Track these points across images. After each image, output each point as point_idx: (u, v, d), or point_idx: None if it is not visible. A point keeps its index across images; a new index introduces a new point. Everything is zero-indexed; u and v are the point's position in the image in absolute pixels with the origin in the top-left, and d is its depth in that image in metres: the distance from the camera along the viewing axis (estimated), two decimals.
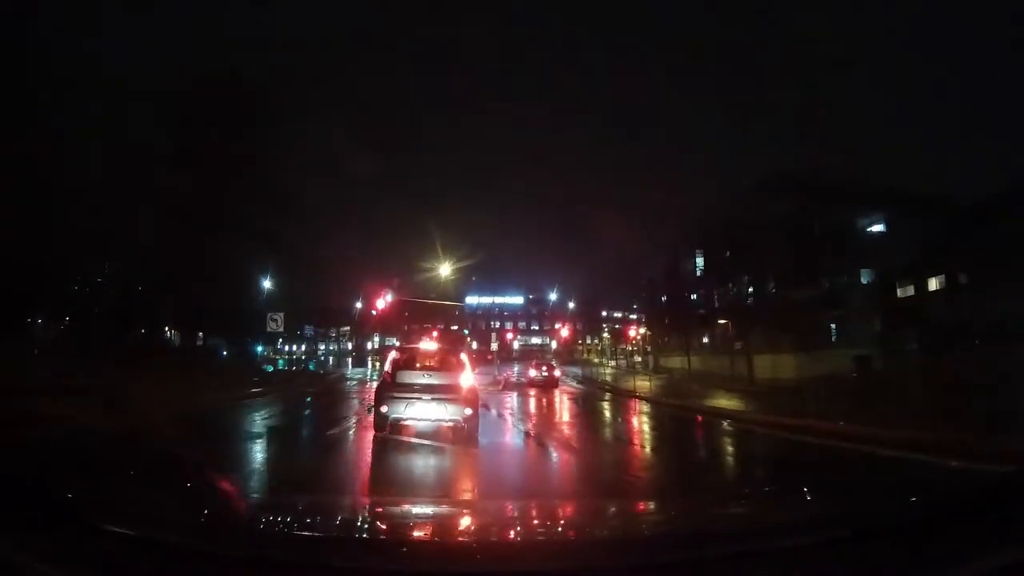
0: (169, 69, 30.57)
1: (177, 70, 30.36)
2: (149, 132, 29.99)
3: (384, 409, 9.59)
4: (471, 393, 10.03)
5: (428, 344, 12.54)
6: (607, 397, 24.35)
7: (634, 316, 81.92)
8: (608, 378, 38.00)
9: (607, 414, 17.46)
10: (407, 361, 10.47)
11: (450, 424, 9.58)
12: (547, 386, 28.65)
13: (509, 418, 14.77)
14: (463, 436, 9.43)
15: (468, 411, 9.52)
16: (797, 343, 31.90)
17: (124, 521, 1.58)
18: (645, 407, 19.26)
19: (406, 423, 9.85)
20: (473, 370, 10.71)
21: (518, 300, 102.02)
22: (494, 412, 15.03)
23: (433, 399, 9.53)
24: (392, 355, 10.89)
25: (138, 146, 29.24)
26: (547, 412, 17.34)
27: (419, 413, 9.59)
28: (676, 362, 46.47)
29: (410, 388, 9.71)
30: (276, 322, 17.77)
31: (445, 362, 10.51)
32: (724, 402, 18.48)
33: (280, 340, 55.78)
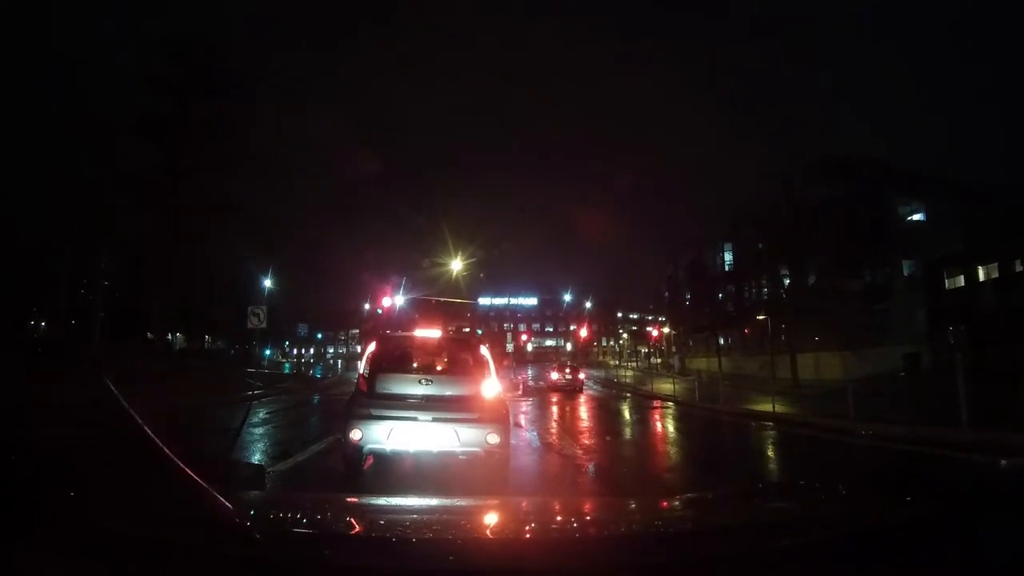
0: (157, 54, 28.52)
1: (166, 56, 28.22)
2: (144, 134, 28.18)
3: (356, 435, 6.08)
4: (497, 409, 6.52)
5: (428, 332, 7.66)
6: (654, 405, 20.48)
7: (651, 317, 79.98)
8: (636, 381, 35.36)
9: (684, 434, 13.43)
10: (395, 360, 6.85)
11: (464, 458, 6.26)
12: (572, 390, 26.28)
13: (551, 442, 10.76)
14: (484, 479, 6.17)
15: (494, 437, 6.08)
16: (841, 340, 29.75)
17: (124, 521, 1.55)
18: (713, 418, 16.35)
19: (392, 457, 6.45)
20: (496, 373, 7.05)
21: (531, 301, 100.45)
22: (527, 431, 11.80)
23: (436, 419, 6.05)
24: (370, 349, 6.94)
25: (132, 139, 27.73)
26: (595, 429, 13.68)
27: (412, 441, 6.09)
28: (702, 363, 44.14)
29: (399, 402, 6.23)
30: (258, 317, 15.79)
31: (456, 361, 7.00)
32: (794, 409, 15.86)
33: (287, 342, 54.35)
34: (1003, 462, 2.48)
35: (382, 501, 3.17)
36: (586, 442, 11.05)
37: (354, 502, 2.89)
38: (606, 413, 18.21)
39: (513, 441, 7.32)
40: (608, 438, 12.19)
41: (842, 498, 2.28)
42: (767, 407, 15.40)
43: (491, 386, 6.61)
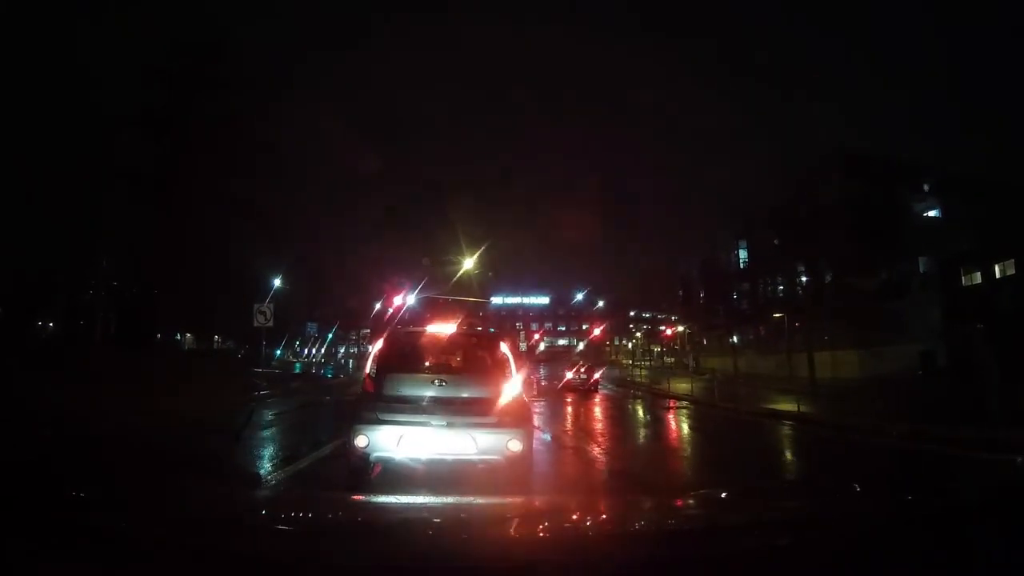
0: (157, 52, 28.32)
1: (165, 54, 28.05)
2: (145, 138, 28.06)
3: (362, 442, 5.46)
4: (518, 412, 5.88)
5: (441, 327, 6.87)
6: (672, 406, 19.74)
7: (663, 316, 79.48)
8: (651, 381, 34.80)
9: (706, 435, 12.99)
10: (406, 358, 6.16)
11: (481, 466, 5.50)
12: (587, 390, 25.83)
13: (570, 444, 10.46)
14: (502, 488, 5.40)
15: (515, 444, 5.47)
16: (857, 338, 29.42)
17: (124, 521, 1.58)
18: (735, 418, 15.81)
19: (401, 466, 5.61)
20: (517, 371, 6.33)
21: (544, 300, 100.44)
22: (543, 432, 11.10)
23: (451, 424, 5.49)
24: (377, 347, 6.35)
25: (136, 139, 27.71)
26: (613, 430, 13.20)
27: (424, 448, 5.46)
28: (716, 362, 43.73)
29: (410, 405, 5.63)
30: (264, 315, 15.62)
31: (473, 360, 6.39)
32: (814, 408, 15.51)
33: (297, 342, 54.41)
34: (1018, 459, 2.43)
35: (388, 500, 3.13)
36: (606, 444, 10.85)
37: (359, 500, 2.88)
38: (623, 414, 17.97)
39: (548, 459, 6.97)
40: (628, 440, 11.99)
41: (854, 497, 2.32)
42: (789, 407, 14.97)
43: (512, 387, 5.95)
